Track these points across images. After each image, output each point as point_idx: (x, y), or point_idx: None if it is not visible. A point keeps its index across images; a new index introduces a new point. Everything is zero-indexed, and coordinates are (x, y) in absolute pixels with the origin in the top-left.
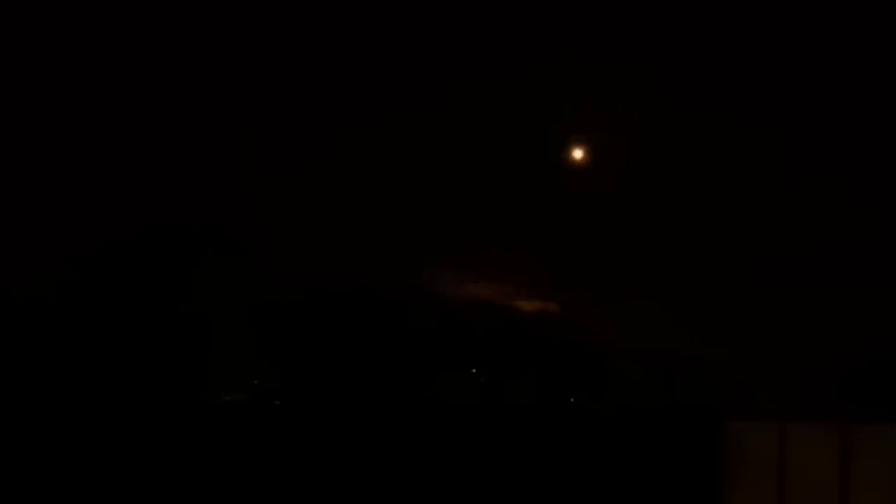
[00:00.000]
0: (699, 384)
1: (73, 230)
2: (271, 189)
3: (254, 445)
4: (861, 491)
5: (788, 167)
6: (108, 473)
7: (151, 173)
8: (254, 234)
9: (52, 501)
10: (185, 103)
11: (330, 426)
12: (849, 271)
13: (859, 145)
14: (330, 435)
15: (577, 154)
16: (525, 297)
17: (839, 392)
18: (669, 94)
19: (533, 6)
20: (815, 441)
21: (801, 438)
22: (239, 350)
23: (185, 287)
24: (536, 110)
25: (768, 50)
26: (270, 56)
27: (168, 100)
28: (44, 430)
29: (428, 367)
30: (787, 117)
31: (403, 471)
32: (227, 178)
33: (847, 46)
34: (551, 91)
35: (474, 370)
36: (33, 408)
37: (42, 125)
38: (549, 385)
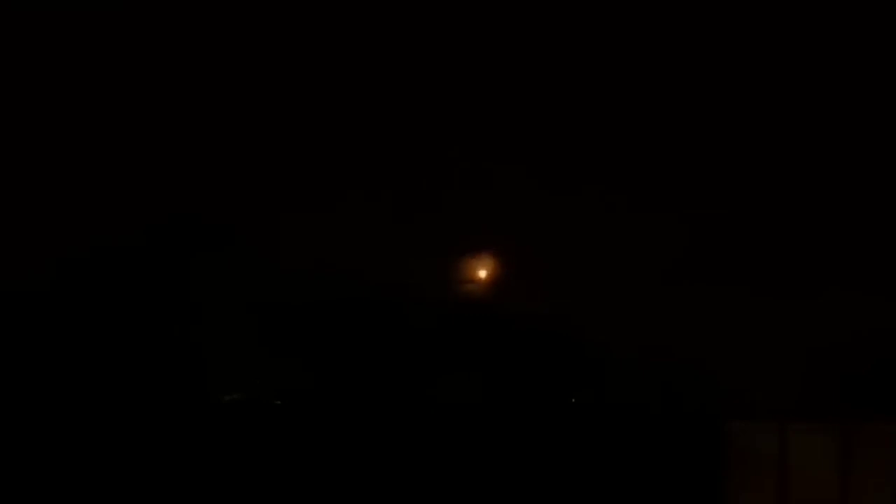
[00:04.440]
0: (699, 384)
1: (73, 229)
2: (272, 187)
3: (254, 445)
4: (861, 491)
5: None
6: (109, 473)
7: (151, 171)
8: (254, 233)
9: (53, 501)
10: (184, 100)
11: (330, 426)
12: (848, 272)
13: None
14: (330, 435)
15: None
16: (525, 296)
17: (839, 392)
18: None
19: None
20: (815, 441)
21: (801, 438)
22: (239, 350)
23: (185, 286)
24: None
25: None
26: (271, 53)
27: (168, 97)
28: (44, 430)
29: (427, 367)
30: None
31: (403, 471)
32: (227, 175)
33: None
34: None
35: (474, 370)
36: (33, 407)
37: (42, 125)
38: (548, 385)
